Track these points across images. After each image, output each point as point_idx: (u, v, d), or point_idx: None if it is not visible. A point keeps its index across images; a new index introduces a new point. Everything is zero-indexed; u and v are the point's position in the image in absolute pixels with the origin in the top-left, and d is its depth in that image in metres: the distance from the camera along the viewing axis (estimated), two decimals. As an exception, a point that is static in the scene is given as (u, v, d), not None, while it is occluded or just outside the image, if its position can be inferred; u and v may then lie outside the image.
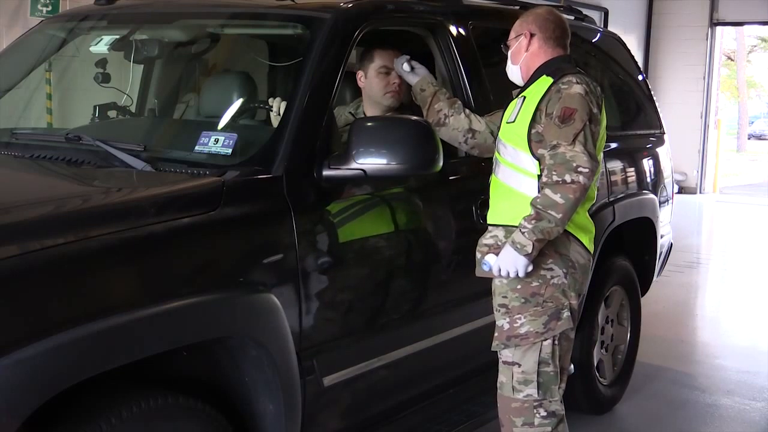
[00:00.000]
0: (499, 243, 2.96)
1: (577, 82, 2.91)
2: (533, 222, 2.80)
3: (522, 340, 2.96)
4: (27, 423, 1.93)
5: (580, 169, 2.77)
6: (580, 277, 3.02)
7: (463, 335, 3.34)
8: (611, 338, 4.42)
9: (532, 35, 3.05)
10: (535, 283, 2.93)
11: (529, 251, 2.82)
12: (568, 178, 2.77)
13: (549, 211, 2.78)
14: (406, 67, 3.31)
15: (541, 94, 2.93)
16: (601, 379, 4.34)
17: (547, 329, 2.95)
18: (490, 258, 2.93)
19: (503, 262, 2.87)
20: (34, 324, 1.96)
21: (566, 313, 2.96)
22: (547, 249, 2.90)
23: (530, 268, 2.87)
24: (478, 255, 3.03)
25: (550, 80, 2.95)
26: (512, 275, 2.87)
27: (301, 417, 2.62)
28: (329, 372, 2.73)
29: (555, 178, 2.78)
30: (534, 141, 2.90)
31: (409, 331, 3.11)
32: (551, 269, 2.94)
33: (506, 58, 3.15)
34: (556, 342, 2.97)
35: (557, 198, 2.78)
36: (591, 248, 3.05)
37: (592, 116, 2.87)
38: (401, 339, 3.07)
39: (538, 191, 2.86)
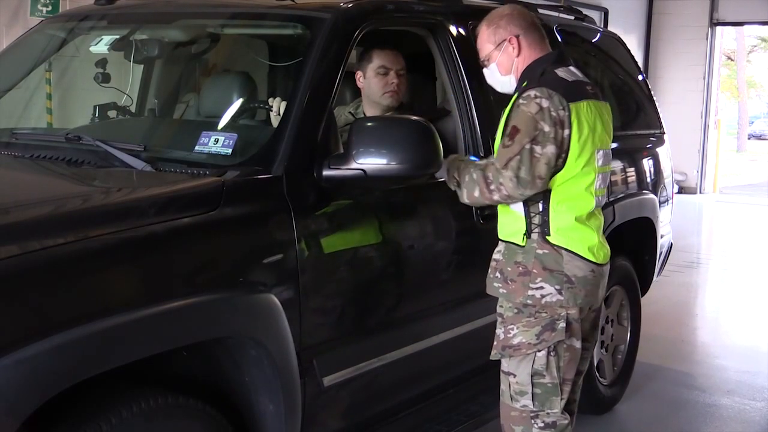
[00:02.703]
0: (502, 258, 2.92)
1: (535, 97, 2.76)
2: (471, 174, 2.83)
3: (515, 350, 2.87)
4: (27, 423, 1.93)
5: (501, 188, 2.74)
6: (582, 290, 2.85)
7: (463, 335, 3.33)
8: (611, 338, 4.42)
9: (517, 37, 2.91)
10: (529, 302, 2.85)
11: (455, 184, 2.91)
12: (492, 186, 2.76)
13: (466, 185, 2.84)
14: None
15: (509, 110, 2.85)
16: (601, 379, 4.34)
17: (540, 340, 2.84)
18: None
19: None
20: (34, 324, 1.96)
21: (561, 324, 2.84)
22: (534, 267, 2.82)
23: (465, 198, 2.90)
24: (490, 272, 2.97)
25: (516, 95, 2.85)
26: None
27: (301, 417, 2.61)
28: (329, 372, 2.73)
29: (490, 175, 2.78)
30: None
31: (409, 331, 3.10)
32: (541, 288, 2.83)
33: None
34: (552, 353, 2.86)
35: (476, 190, 2.81)
36: (595, 257, 2.88)
37: (539, 136, 2.72)
38: (401, 339, 3.06)
39: (524, 207, 2.83)
